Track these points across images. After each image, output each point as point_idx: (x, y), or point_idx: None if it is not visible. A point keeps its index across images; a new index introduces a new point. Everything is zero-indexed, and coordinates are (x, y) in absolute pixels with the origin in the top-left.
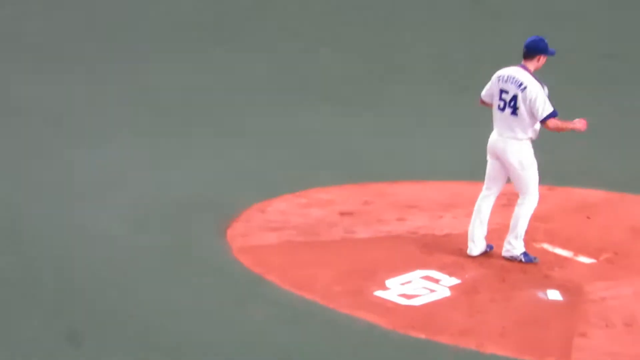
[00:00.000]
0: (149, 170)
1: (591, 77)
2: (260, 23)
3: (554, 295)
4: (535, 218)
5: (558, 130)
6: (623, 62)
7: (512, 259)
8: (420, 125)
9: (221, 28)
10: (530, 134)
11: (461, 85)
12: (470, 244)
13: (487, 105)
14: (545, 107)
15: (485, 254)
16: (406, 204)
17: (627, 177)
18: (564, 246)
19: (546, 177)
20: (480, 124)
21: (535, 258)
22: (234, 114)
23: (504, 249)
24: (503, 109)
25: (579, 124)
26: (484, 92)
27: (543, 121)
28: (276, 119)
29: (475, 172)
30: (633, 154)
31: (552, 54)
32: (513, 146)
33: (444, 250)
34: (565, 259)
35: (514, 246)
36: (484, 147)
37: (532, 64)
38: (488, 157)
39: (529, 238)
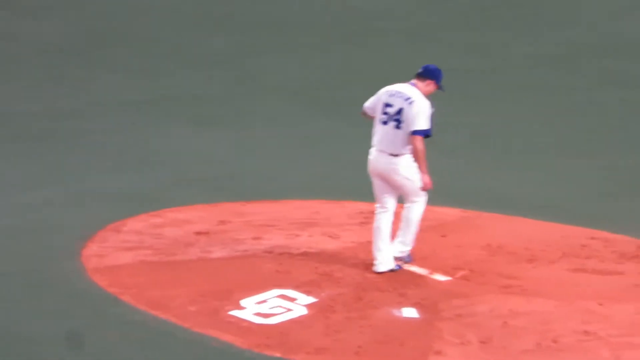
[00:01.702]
0: (3, 194)
1: (448, 93)
2: (123, 43)
3: (409, 313)
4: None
5: (416, 152)
6: (481, 78)
7: (403, 258)
8: (278, 144)
9: (81, 48)
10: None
11: (322, 105)
12: (375, 262)
13: (367, 117)
14: (422, 122)
15: (392, 272)
16: (262, 223)
17: (482, 196)
18: (420, 264)
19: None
20: (339, 143)
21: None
22: (90, 134)
23: (397, 250)
24: (386, 123)
25: (426, 178)
26: (367, 104)
27: (414, 134)
28: (132, 138)
29: (332, 191)
30: (488, 172)
31: (441, 89)
32: (398, 164)
33: (300, 269)
34: (421, 277)
35: (407, 244)
36: (343, 165)
37: (422, 86)
38: (371, 177)
39: None
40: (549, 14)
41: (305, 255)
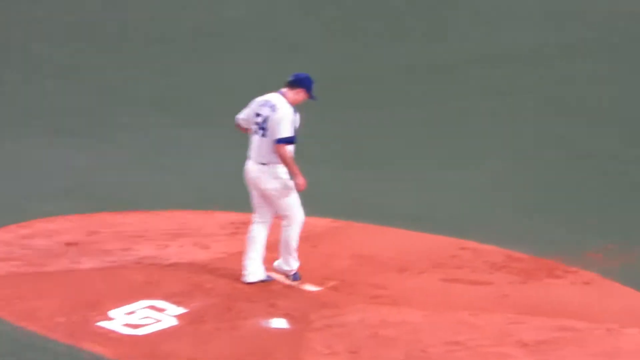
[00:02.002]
0: None
1: (319, 103)
2: None
3: (279, 324)
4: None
5: (283, 160)
6: (351, 88)
7: (286, 272)
8: (148, 156)
9: None
10: None
11: (186, 115)
12: (244, 272)
13: (242, 130)
14: (284, 130)
15: (262, 282)
16: (132, 234)
17: (352, 206)
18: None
19: None
20: (206, 153)
21: (299, 278)
22: None
23: (283, 265)
24: (256, 132)
25: (300, 180)
26: (240, 115)
27: (277, 142)
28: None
29: (201, 201)
30: (357, 183)
31: (312, 97)
32: (267, 172)
33: (170, 279)
34: (291, 287)
35: (291, 265)
36: (211, 176)
37: (291, 95)
38: (248, 187)
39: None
40: (421, 24)
41: (175, 265)
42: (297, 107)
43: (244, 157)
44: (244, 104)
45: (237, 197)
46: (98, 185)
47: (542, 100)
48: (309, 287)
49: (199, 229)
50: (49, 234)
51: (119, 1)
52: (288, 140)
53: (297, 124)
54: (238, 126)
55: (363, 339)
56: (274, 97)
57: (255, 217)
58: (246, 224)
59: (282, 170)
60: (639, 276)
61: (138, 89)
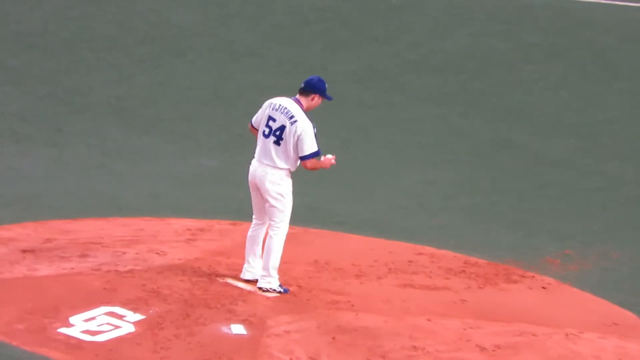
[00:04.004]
0: None
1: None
2: None
3: (238, 329)
4: (217, 253)
5: (314, 169)
6: None
7: (270, 291)
8: (102, 163)
9: None
10: (290, 165)
11: (142, 122)
12: (246, 266)
13: (254, 132)
14: (308, 147)
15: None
16: (89, 240)
17: (308, 212)
18: (247, 280)
19: (228, 212)
20: (160, 160)
21: (287, 289)
22: None
23: (261, 281)
24: (267, 136)
25: (327, 160)
26: (254, 118)
27: (304, 159)
28: None
29: (155, 209)
30: (313, 189)
31: (328, 98)
32: (273, 175)
33: (127, 286)
34: (249, 293)
35: (272, 276)
36: (165, 182)
37: (306, 101)
38: (250, 189)
39: (212, 273)
40: (369, 31)
41: (132, 272)
42: (311, 115)
43: (197, 164)
44: (196, 110)
45: (192, 204)
46: (53, 193)
47: (497, 106)
48: (267, 293)
49: (155, 236)
50: (4, 241)
51: (71, 9)
52: (312, 156)
53: (315, 132)
54: (252, 128)
55: (322, 344)
56: (290, 105)
57: (255, 219)
58: (203, 230)
59: (288, 177)
60: (597, 281)
61: (91, 96)
